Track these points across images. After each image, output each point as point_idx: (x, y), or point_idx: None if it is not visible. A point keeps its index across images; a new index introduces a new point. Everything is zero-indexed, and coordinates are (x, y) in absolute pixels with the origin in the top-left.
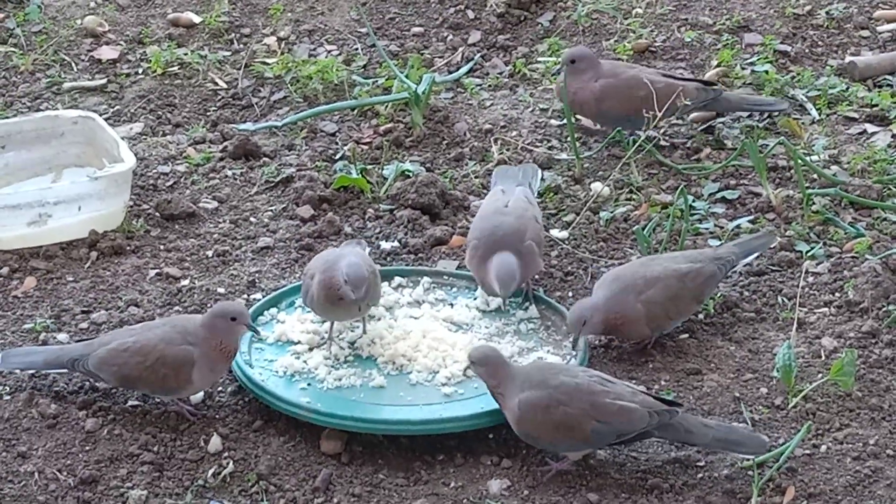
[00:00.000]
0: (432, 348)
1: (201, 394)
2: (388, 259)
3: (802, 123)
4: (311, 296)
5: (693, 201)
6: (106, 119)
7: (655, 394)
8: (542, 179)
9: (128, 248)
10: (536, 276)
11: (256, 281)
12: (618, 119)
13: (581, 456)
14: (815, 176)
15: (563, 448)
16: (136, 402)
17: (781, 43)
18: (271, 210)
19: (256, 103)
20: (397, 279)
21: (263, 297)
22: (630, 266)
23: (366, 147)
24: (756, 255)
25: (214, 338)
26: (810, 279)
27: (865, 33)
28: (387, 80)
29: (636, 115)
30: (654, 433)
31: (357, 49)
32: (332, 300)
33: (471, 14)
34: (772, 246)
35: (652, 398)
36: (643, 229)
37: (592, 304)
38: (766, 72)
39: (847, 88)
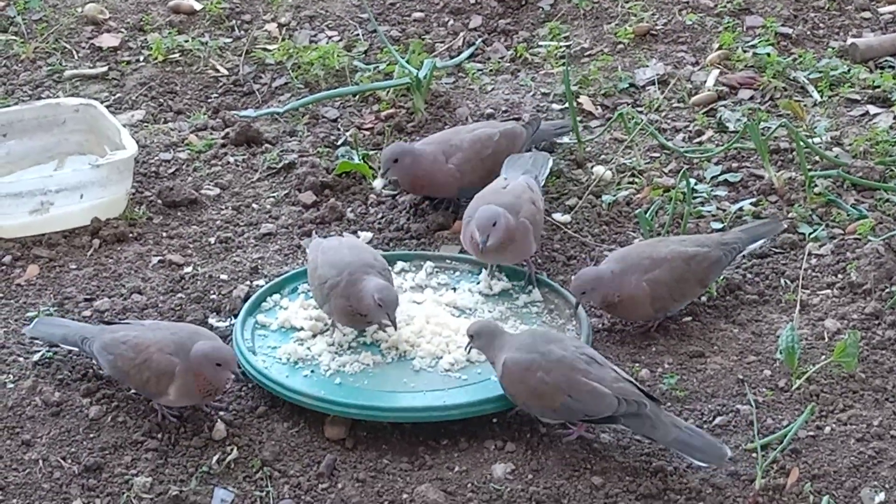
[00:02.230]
0: (436, 334)
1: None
2: (392, 242)
3: (804, 105)
4: (328, 308)
5: (695, 184)
6: (107, 107)
7: (643, 385)
8: (552, 169)
9: (130, 235)
10: (539, 260)
11: (259, 267)
12: (479, 188)
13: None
14: (817, 158)
15: (536, 412)
16: None
17: (783, 25)
18: (273, 196)
19: (258, 90)
20: (400, 264)
21: (266, 283)
22: (638, 246)
23: (367, 133)
24: (762, 241)
25: (199, 372)
26: (813, 261)
27: (867, 15)
28: (388, 65)
29: (490, 178)
30: (621, 420)
31: (358, 35)
32: (357, 321)
33: None
34: (779, 233)
35: (636, 388)
36: (645, 213)
37: (596, 275)
38: (768, 54)
39: (849, 70)
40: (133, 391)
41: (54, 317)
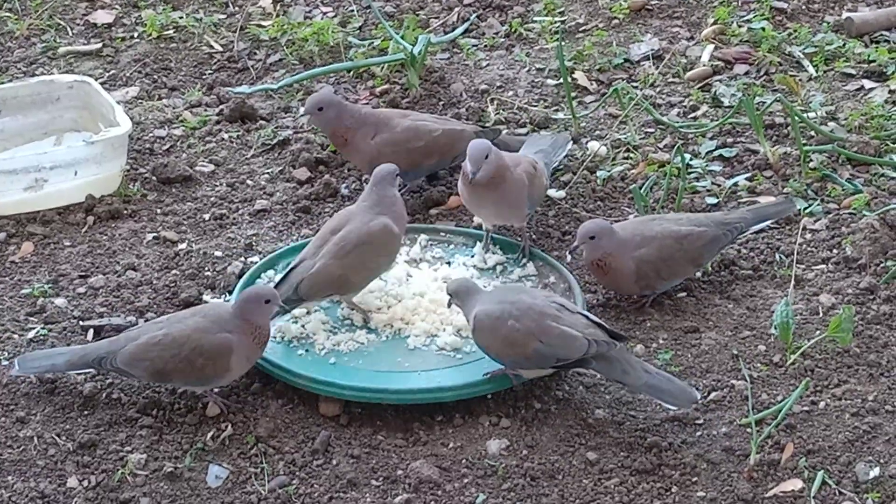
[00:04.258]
0: (430, 311)
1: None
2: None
3: (799, 80)
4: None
5: (690, 159)
6: (101, 83)
7: (613, 329)
8: (569, 153)
9: (125, 212)
10: (534, 236)
11: (254, 243)
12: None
13: (533, 375)
14: (812, 133)
15: (509, 363)
16: None
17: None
18: (268, 173)
19: (252, 66)
20: None
21: (261, 259)
22: (632, 222)
23: None
24: (770, 221)
25: (250, 324)
26: (808, 236)
27: None
28: (382, 41)
29: (414, 168)
30: (592, 362)
31: (352, 10)
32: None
33: None
34: (790, 214)
35: (605, 332)
36: (640, 188)
37: (608, 228)
38: (763, 29)
39: (844, 44)
40: (179, 388)
41: (36, 350)
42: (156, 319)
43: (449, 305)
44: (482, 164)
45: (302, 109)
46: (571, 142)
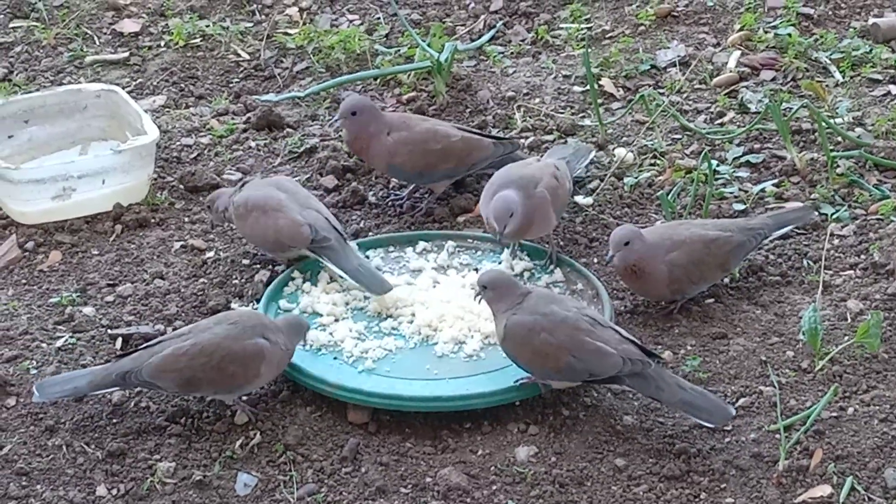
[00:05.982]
0: (458, 318)
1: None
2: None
3: (826, 86)
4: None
5: (717, 165)
6: (129, 92)
7: (646, 347)
8: (593, 161)
9: (152, 220)
10: (561, 242)
11: None
12: (409, 175)
13: (563, 386)
14: (839, 138)
15: (538, 374)
16: None
17: (804, 5)
18: (295, 180)
19: (279, 74)
20: (422, 244)
21: (288, 267)
22: (659, 228)
23: None
24: (790, 227)
25: (290, 342)
26: (835, 241)
27: None
28: (409, 49)
29: (429, 171)
30: (625, 380)
31: (379, 18)
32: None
33: None
34: (809, 221)
35: (637, 348)
36: (667, 194)
37: (639, 233)
38: (790, 35)
39: (870, 50)
40: (207, 397)
41: (55, 375)
42: (177, 331)
43: (478, 300)
44: (507, 222)
45: (336, 114)
46: (594, 151)
